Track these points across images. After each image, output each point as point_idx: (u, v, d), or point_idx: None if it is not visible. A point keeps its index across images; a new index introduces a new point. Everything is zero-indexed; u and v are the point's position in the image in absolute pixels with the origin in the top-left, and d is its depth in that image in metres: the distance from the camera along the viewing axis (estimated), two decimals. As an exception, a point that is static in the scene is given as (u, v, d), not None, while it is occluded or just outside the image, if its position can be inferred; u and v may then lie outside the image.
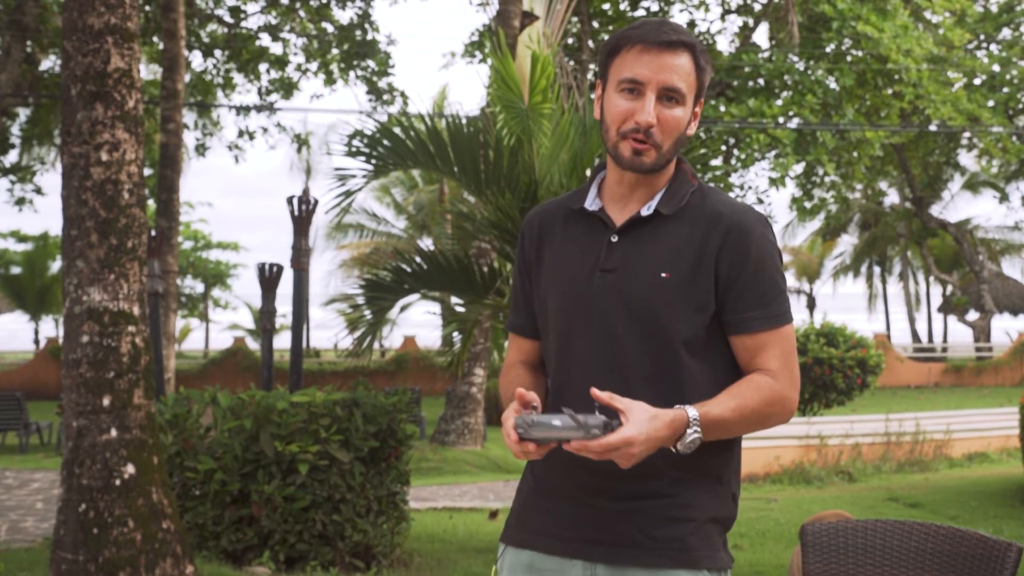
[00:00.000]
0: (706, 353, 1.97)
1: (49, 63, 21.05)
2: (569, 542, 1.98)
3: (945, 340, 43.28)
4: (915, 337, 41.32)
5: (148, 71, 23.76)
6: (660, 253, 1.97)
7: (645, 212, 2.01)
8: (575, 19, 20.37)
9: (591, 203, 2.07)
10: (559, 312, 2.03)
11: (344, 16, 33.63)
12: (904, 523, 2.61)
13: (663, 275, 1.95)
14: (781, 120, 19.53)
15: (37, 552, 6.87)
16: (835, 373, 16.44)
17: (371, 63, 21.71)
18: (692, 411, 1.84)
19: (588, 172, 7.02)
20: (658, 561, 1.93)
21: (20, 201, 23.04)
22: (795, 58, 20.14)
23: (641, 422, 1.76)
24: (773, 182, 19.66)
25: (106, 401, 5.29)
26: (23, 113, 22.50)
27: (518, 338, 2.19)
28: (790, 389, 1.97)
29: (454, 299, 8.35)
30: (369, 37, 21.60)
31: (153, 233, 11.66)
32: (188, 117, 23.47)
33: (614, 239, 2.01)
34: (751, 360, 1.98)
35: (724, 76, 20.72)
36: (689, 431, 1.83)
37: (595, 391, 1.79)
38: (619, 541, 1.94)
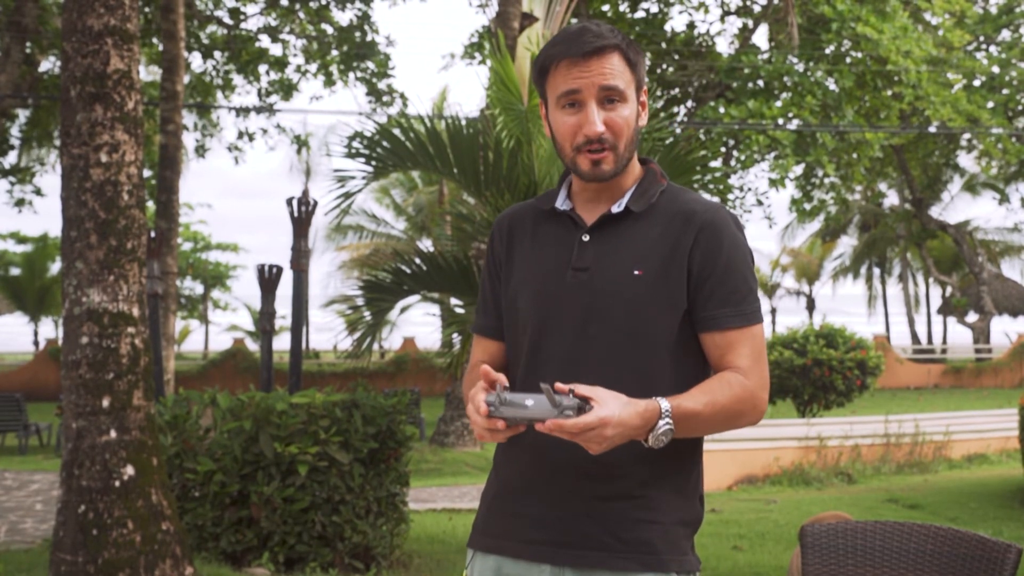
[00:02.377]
0: (678, 352, 1.97)
1: (48, 64, 21.07)
2: (536, 545, 1.95)
3: (944, 341, 43.34)
4: (914, 338, 41.33)
5: (148, 72, 23.76)
6: (632, 251, 1.98)
7: (616, 210, 2.01)
8: (575, 21, 20.34)
9: (562, 203, 2.08)
10: (530, 311, 2.02)
11: (343, 17, 33.67)
12: (904, 524, 2.62)
13: (635, 272, 1.95)
14: (781, 121, 19.54)
15: (36, 553, 6.87)
16: (834, 374, 16.45)
17: (370, 64, 21.73)
18: (664, 402, 1.81)
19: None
20: (626, 564, 1.92)
21: (20, 202, 23.05)
22: (795, 59, 20.15)
23: (614, 405, 1.74)
24: (773, 183, 19.67)
25: (105, 402, 5.29)
26: (23, 114, 22.51)
27: (484, 340, 2.17)
28: (760, 388, 1.96)
29: (454, 300, 8.35)
30: (368, 38, 21.61)
31: (152, 234, 11.66)
32: (188, 118, 23.48)
33: (585, 238, 2.01)
34: (721, 358, 1.97)
35: (724, 77, 20.73)
36: (661, 422, 1.80)
37: (558, 384, 1.75)
38: (586, 544, 1.92)
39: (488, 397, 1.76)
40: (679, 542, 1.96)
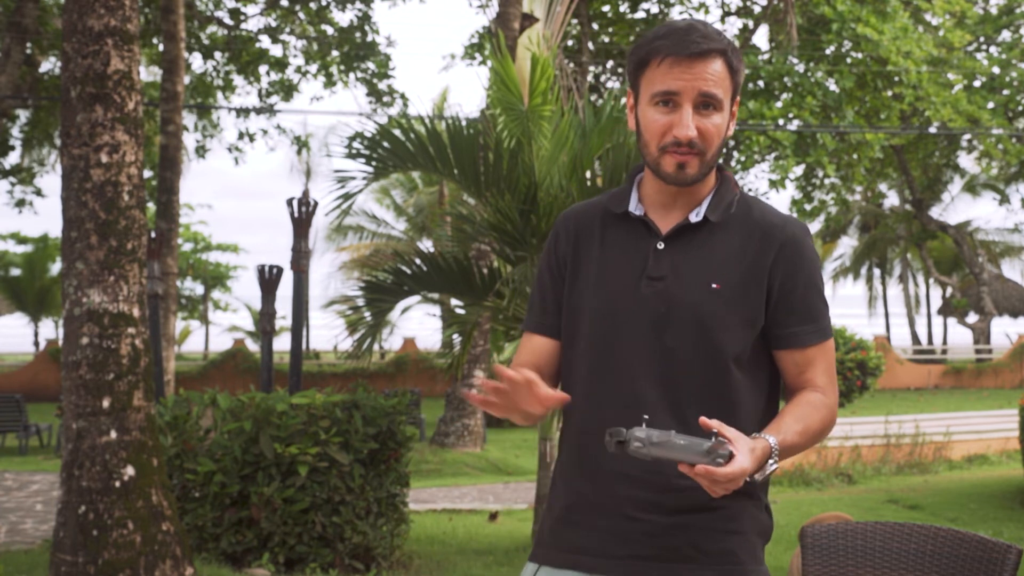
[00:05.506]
0: (751, 367, 1.95)
1: (49, 65, 21.07)
2: (617, 559, 1.91)
3: (945, 342, 43.29)
4: (915, 339, 41.32)
5: (148, 73, 23.76)
6: (710, 262, 1.93)
7: (694, 219, 1.96)
8: (575, 21, 20.37)
9: (635, 207, 2.01)
10: (600, 318, 1.97)
11: (344, 18, 33.70)
12: (904, 525, 2.61)
13: (714, 285, 1.91)
14: (781, 122, 19.54)
15: (36, 554, 6.87)
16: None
17: (371, 65, 21.72)
18: (773, 440, 1.80)
19: (588, 174, 7.03)
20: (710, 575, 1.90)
21: (20, 203, 23.05)
22: (795, 60, 20.15)
23: (747, 454, 1.72)
24: (773, 184, 19.67)
25: (106, 403, 5.29)
26: (23, 115, 22.51)
27: (537, 337, 2.09)
28: (836, 403, 1.99)
29: (454, 301, 8.35)
30: (369, 39, 21.60)
31: (153, 235, 11.66)
32: (188, 119, 23.48)
33: (660, 246, 1.95)
34: (799, 375, 1.96)
35: (724, 78, 20.70)
36: (770, 461, 1.79)
37: (704, 419, 1.72)
38: (670, 557, 1.90)
39: (635, 432, 1.70)
40: (756, 552, 1.95)
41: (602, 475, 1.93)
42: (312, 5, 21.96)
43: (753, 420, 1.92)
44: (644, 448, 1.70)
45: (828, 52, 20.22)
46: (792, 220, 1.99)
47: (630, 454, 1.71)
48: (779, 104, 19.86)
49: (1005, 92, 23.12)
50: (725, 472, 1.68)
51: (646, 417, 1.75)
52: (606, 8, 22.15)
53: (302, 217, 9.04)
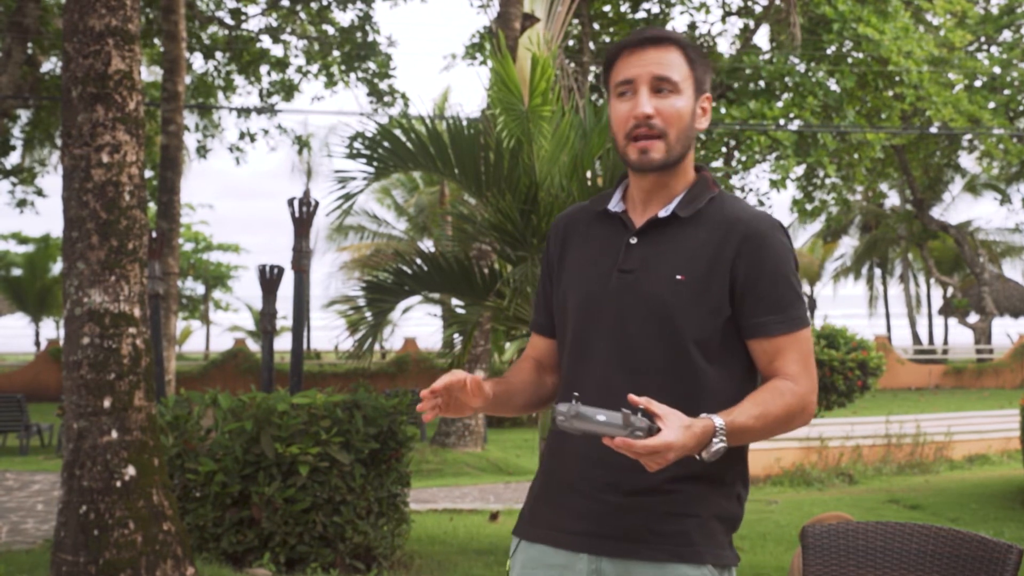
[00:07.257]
0: (722, 356, 2.01)
1: (50, 65, 21.07)
2: (576, 536, 2.01)
3: (946, 342, 43.28)
4: (916, 339, 41.33)
5: (149, 73, 23.76)
6: (676, 255, 2.02)
7: (663, 214, 2.06)
8: (576, 21, 20.36)
9: (615, 205, 2.13)
10: (577, 310, 2.08)
11: (345, 18, 33.68)
12: (905, 525, 2.61)
13: (678, 277, 1.99)
14: (782, 122, 19.53)
15: (38, 554, 6.87)
16: (836, 375, 16.42)
17: (372, 65, 21.71)
18: (718, 420, 1.86)
19: (588, 174, 7.03)
20: (661, 556, 1.96)
21: (21, 203, 23.05)
22: (796, 60, 20.14)
23: (677, 429, 1.79)
24: (774, 184, 19.65)
25: (107, 403, 5.29)
26: (24, 115, 22.51)
27: (536, 336, 2.24)
28: (810, 392, 2.02)
29: (455, 301, 8.34)
30: (370, 39, 21.60)
31: (154, 235, 11.67)
32: (189, 119, 23.47)
33: (633, 240, 2.06)
34: (769, 364, 2.03)
35: (725, 78, 20.71)
36: (715, 440, 1.85)
37: (632, 396, 1.80)
38: (624, 535, 1.98)
39: (560, 407, 1.79)
40: (715, 535, 2.00)
41: (569, 457, 2.04)
42: (313, 5, 21.96)
43: (724, 407, 1.97)
44: (567, 421, 1.79)
45: (829, 52, 20.20)
46: (761, 215, 2.06)
47: (559, 427, 1.80)
48: (780, 104, 19.84)
49: (1006, 92, 23.10)
50: (645, 444, 1.75)
51: (576, 394, 1.84)
52: (607, 8, 22.13)
53: (303, 217, 9.03)
